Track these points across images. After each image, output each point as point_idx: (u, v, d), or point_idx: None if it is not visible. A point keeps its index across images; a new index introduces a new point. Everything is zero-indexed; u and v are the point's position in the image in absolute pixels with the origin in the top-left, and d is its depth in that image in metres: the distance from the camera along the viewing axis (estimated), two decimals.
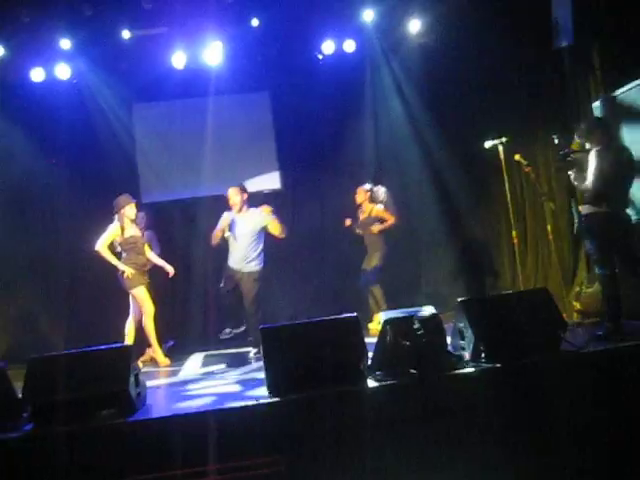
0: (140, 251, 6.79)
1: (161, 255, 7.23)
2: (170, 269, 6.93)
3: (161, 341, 7.31)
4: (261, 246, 6.83)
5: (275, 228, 6.76)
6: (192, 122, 8.68)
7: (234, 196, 6.82)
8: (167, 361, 6.85)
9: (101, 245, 6.61)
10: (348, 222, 7.93)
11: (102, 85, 8.40)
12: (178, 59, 8.08)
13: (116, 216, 6.73)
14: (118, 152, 8.60)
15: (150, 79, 8.43)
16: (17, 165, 8.20)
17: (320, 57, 8.60)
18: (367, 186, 7.95)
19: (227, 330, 6.81)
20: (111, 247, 6.72)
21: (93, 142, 8.35)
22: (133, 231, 6.79)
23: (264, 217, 6.81)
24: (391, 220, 7.76)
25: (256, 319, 6.62)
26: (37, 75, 7.99)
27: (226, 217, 6.80)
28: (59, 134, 8.13)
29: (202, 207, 7.65)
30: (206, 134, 8.43)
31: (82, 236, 7.81)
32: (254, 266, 6.78)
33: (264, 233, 6.85)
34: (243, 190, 6.88)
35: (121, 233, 6.69)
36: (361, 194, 7.93)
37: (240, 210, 6.82)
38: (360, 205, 7.96)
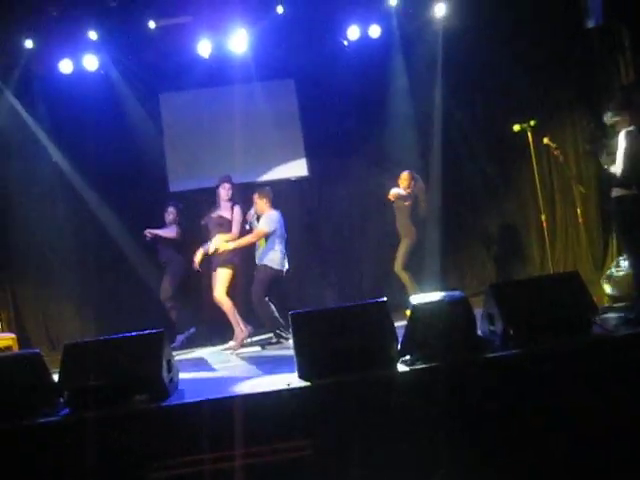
0: (210, 235, 7.02)
1: (188, 245, 7.55)
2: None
3: (184, 329, 7.53)
4: (266, 244, 7.01)
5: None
6: (218, 110, 8.73)
7: (257, 199, 7.16)
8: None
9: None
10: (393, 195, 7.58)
11: (129, 75, 8.45)
12: (203, 48, 8.11)
13: None
14: (145, 142, 8.64)
15: (176, 68, 8.49)
16: (46, 157, 8.35)
17: (345, 43, 8.56)
18: (411, 173, 7.67)
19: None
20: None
21: (121, 132, 8.39)
22: (219, 211, 7.04)
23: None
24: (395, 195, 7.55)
25: (262, 310, 6.86)
26: (65, 67, 8.08)
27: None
28: (87, 125, 8.24)
29: None
30: (233, 122, 8.44)
31: (110, 225, 8.01)
32: (259, 261, 7.04)
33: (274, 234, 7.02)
34: (263, 195, 7.13)
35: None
36: (406, 179, 7.63)
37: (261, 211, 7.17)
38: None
